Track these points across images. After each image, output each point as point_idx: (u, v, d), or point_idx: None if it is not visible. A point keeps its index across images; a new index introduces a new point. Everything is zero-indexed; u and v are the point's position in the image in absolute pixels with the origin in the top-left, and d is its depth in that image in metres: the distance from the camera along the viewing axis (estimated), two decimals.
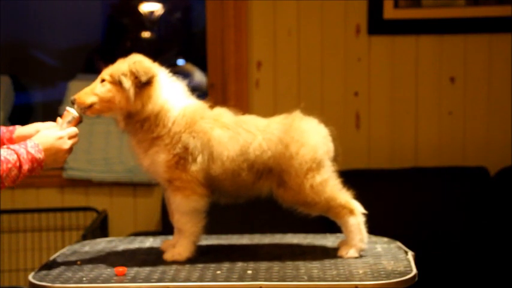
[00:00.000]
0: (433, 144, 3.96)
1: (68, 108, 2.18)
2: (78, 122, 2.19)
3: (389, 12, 3.90)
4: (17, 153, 2.02)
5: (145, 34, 5.00)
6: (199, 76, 4.52)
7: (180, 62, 4.93)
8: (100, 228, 3.73)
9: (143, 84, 2.14)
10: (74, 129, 2.16)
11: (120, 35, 5.09)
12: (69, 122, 2.17)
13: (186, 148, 2.17)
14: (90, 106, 2.17)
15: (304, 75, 3.95)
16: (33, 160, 2.05)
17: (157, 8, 5.13)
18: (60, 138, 2.13)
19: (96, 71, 4.83)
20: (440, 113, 3.95)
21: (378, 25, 3.91)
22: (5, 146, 2.05)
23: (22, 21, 4.82)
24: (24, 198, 3.97)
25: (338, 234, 2.43)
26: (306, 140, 2.20)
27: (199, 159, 2.17)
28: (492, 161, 3.88)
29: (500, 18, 3.88)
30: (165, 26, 5.19)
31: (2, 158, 1.99)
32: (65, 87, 4.14)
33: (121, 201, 4.00)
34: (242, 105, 3.82)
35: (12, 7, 4.71)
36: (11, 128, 2.26)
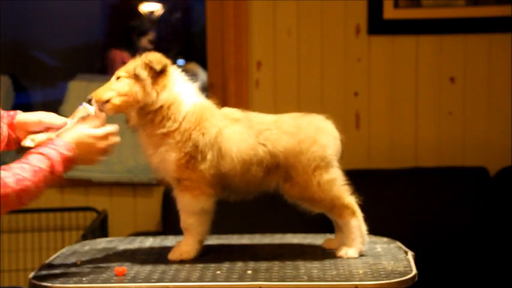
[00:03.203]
0: (433, 144, 3.96)
1: (84, 103, 2.15)
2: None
3: (389, 12, 3.90)
4: (49, 158, 1.99)
5: (145, 34, 5.00)
6: (203, 76, 4.53)
7: (180, 62, 4.94)
8: (100, 228, 3.73)
9: (158, 74, 2.16)
10: (111, 128, 2.12)
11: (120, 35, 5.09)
12: (82, 118, 2.13)
13: (196, 146, 2.17)
14: (107, 101, 2.16)
15: (304, 75, 3.95)
16: (65, 160, 2.03)
17: (157, 8, 5.14)
18: (94, 137, 2.10)
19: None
20: (440, 113, 3.95)
21: (377, 25, 3.91)
22: (33, 150, 2.02)
23: (22, 21, 4.83)
24: None
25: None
26: (319, 138, 2.22)
27: (208, 156, 2.17)
28: (492, 161, 3.88)
29: (500, 18, 3.88)
30: (165, 26, 5.20)
31: (37, 168, 1.98)
32: (65, 87, 4.14)
33: (121, 201, 4.00)
34: (242, 105, 3.82)
35: (12, 7, 4.72)
36: (11, 112, 2.21)
